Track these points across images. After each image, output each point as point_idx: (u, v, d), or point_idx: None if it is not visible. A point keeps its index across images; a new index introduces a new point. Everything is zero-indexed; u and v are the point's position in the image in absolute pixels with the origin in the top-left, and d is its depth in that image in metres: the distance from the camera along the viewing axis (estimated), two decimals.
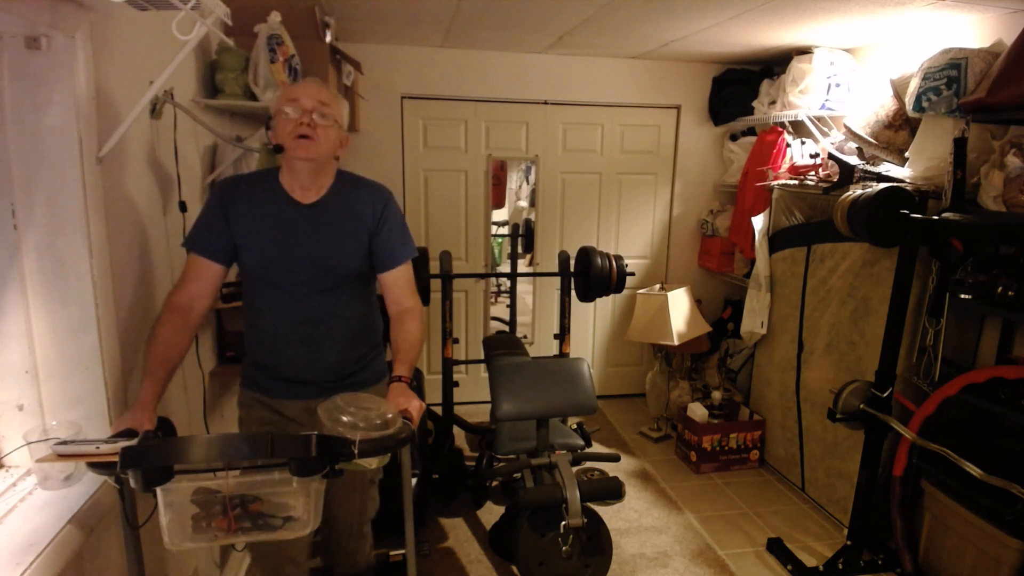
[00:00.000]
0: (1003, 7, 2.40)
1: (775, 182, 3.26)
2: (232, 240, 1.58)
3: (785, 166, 3.34)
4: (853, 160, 2.76)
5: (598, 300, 3.28)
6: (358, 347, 1.74)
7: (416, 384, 2.84)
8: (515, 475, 2.64)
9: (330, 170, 1.64)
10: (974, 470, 1.99)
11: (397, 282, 1.68)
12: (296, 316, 1.62)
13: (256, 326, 1.68)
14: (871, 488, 2.42)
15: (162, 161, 1.81)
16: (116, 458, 1.13)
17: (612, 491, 2.13)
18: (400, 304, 1.68)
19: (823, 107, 3.18)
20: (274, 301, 1.62)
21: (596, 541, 2.05)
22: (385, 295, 1.70)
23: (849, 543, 2.44)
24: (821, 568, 2.43)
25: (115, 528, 1.41)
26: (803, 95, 3.21)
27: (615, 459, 2.52)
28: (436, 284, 2.87)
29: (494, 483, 3.03)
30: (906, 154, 2.57)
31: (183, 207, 1.85)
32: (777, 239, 3.23)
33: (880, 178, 2.58)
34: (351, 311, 1.69)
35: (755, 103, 3.69)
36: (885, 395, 2.33)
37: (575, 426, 2.96)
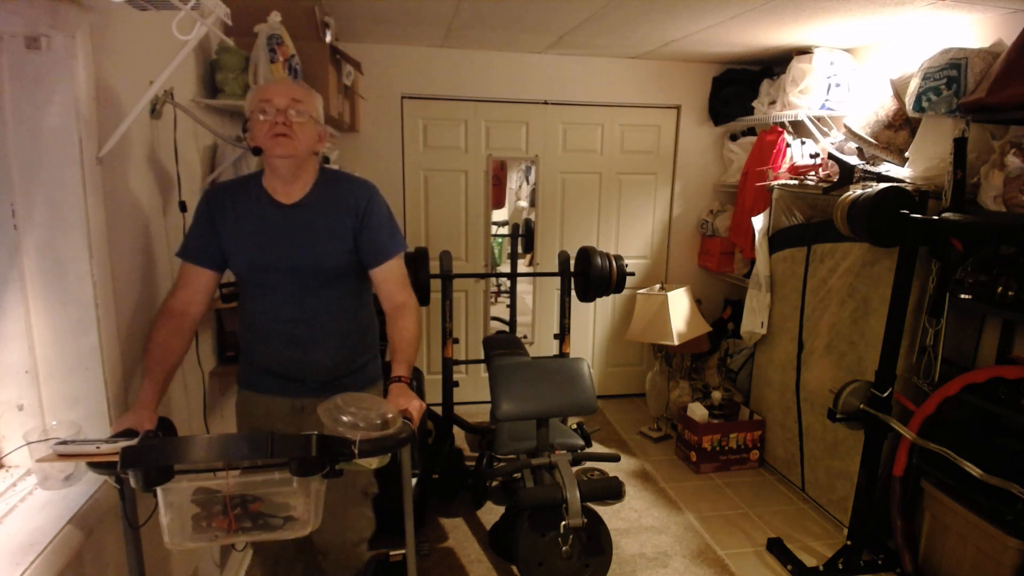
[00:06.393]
0: (1003, 7, 2.40)
1: (775, 182, 3.26)
2: (220, 246, 1.60)
3: (785, 166, 3.34)
4: (853, 160, 2.76)
5: (598, 300, 3.28)
6: (350, 347, 1.73)
7: (416, 384, 2.84)
8: (515, 475, 2.64)
9: (311, 167, 1.63)
10: (974, 470, 1.99)
11: (388, 277, 1.67)
12: (286, 316, 1.63)
13: (248, 326, 1.69)
14: (871, 488, 2.42)
15: (162, 161, 1.81)
16: (116, 458, 1.13)
17: (612, 491, 2.13)
18: (393, 300, 1.67)
19: (823, 107, 3.18)
20: (264, 302, 1.63)
21: (596, 541, 2.05)
22: (378, 291, 1.70)
23: (849, 543, 2.44)
24: (821, 568, 2.43)
25: (115, 528, 1.41)
26: (803, 95, 3.21)
27: (615, 459, 2.52)
28: (436, 284, 2.87)
29: (494, 483, 3.02)
30: (906, 154, 2.57)
31: (183, 207, 1.85)
32: (777, 239, 3.23)
33: (880, 178, 2.58)
34: (341, 311, 1.68)
35: (755, 103, 3.69)
36: (885, 395, 2.33)
37: (575, 426, 2.95)
